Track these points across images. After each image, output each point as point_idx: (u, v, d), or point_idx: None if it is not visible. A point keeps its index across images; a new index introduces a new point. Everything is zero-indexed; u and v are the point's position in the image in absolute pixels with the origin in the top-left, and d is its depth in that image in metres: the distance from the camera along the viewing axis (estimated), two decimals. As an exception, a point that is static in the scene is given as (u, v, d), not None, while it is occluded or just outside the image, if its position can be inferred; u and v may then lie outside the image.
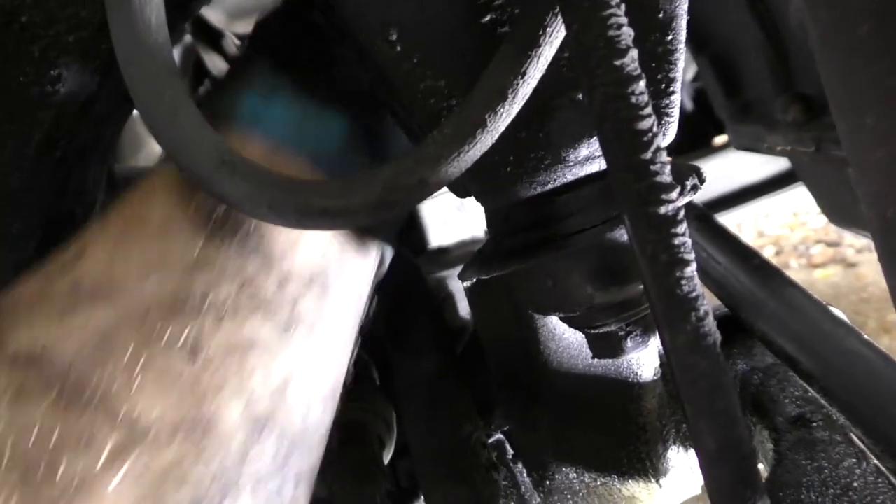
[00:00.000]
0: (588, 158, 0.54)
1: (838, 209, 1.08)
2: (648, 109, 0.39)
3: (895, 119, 0.28)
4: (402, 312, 0.83)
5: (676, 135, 0.58)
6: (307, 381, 0.55)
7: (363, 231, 0.61)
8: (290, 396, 0.53)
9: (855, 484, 0.67)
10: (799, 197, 1.52)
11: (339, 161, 0.59)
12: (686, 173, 0.57)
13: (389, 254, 0.67)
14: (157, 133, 0.44)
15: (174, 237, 0.51)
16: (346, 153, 0.59)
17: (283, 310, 0.53)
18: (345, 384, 0.63)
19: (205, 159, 0.44)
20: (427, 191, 0.46)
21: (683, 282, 0.39)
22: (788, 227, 3.73)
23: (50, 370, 0.45)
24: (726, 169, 1.63)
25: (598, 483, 0.84)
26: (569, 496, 0.86)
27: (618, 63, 0.39)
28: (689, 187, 0.56)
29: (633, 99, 0.39)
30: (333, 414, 0.60)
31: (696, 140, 1.70)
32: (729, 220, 1.79)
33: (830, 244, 3.47)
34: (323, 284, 0.57)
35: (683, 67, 0.54)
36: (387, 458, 0.82)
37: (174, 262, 0.50)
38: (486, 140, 0.45)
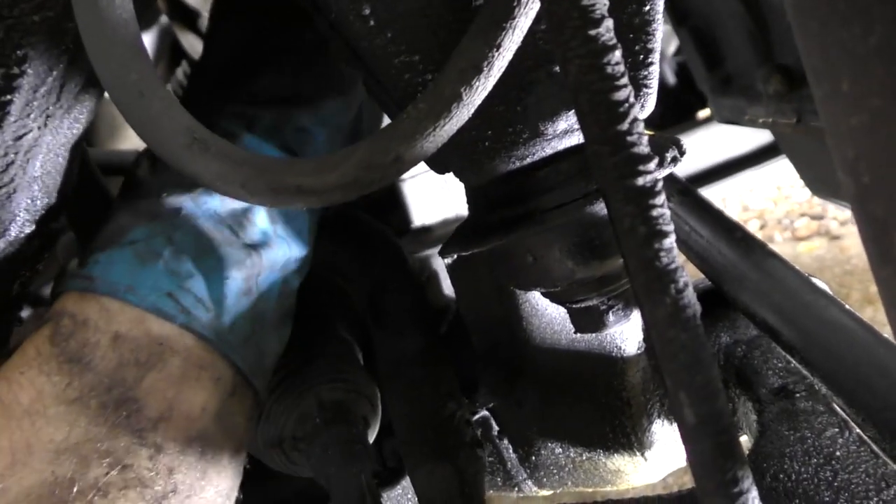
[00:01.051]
0: (567, 132, 0.54)
1: (820, 180, 1.08)
2: (624, 80, 0.39)
3: (870, 85, 0.28)
4: (385, 292, 0.82)
5: (660, 108, 0.58)
6: None
7: (238, 373, 0.61)
8: None
9: (837, 453, 0.68)
10: (783, 171, 1.52)
11: (219, 322, 0.60)
12: (666, 145, 0.56)
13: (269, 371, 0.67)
14: (126, 112, 0.43)
15: (41, 421, 0.51)
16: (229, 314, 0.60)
17: (157, 483, 0.53)
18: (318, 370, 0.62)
19: (175, 138, 0.43)
20: (403, 168, 0.46)
21: (662, 254, 0.39)
22: (773, 201, 3.74)
23: None
24: (710, 142, 1.63)
25: (584, 457, 0.84)
26: (555, 471, 0.86)
27: (592, 33, 0.38)
28: (668, 159, 0.55)
29: (609, 70, 0.38)
30: None
31: (679, 114, 1.70)
32: (714, 194, 1.79)
33: (814, 217, 3.49)
34: (200, 446, 0.56)
35: (665, 40, 0.54)
36: (372, 438, 0.81)
37: (40, 450, 0.50)
38: (462, 114, 0.45)
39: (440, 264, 1.08)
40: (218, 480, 0.58)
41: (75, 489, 0.50)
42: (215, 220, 0.61)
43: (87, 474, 0.51)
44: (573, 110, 0.52)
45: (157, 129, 0.43)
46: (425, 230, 1.13)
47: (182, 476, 0.55)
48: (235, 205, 0.62)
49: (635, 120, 0.39)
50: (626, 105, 0.38)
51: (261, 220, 0.63)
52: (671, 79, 1.72)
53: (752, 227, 3.57)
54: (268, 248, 0.63)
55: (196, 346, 0.58)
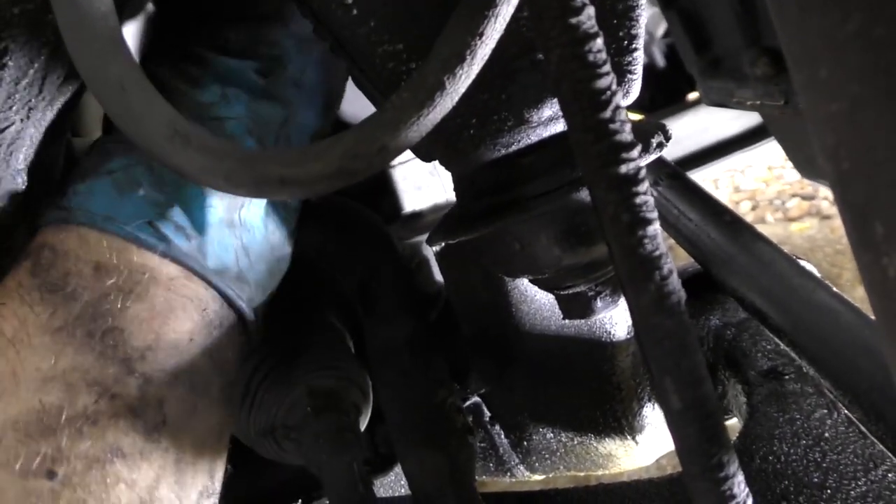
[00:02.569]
0: (552, 119, 0.54)
1: (809, 162, 1.08)
2: (606, 68, 0.39)
3: (848, 71, 0.28)
4: (374, 279, 0.82)
5: (649, 91, 0.57)
6: (179, 479, 0.54)
7: (229, 304, 0.60)
8: (160, 500, 0.52)
9: (826, 434, 0.68)
10: (774, 151, 1.52)
11: (198, 251, 0.59)
12: (651, 131, 0.56)
13: (261, 307, 0.66)
14: (106, 105, 0.43)
15: (26, 350, 0.50)
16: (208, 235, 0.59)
17: (147, 413, 0.52)
18: (308, 359, 0.62)
19: (157, 131, 0.43)
20: (388, 157, 0.46)
21: (646, 241, 0.39)
22: (764, 182, 3.74)
23: None
24: (700, 124, 1.63)
25: (576, 442, 0.84)
26: (547, 456, 0.87)
27: (573, 21, 0.38)
28: (654, 145, 0.55)
29: (591, 57, 0.38)
30: (217, 500, 0.59)
31: (668, 96, 1.69)
32: (705, 175, 1.79)
33: (806, 198, 3.49)
34: (189, 377, 0.55)
35: (654, 23, 0.53)
36: (363, 425, 0.82)
37: (27, 379, 0.49)
38: (446, 103, 0.44)
39: (430, 250, 1.08)
40: (208, 415, 0.58)
41: (63, 417, 0.49)
42: None
43: (76, 403, 0.50)
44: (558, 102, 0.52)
45: (139, 122, 0.43)
46: (415, 216, 1.13)
47: (172, 408, 0.54)
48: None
49: (618, 108, 0.39)
50: (609, 93, 0.38)
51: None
52: (660, 61, 1.72)
53: (744, 208, 3.58)
54: None
55: (180, 275, 0.57)
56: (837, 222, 3.23)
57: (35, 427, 0.48)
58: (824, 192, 3.43)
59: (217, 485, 0.59)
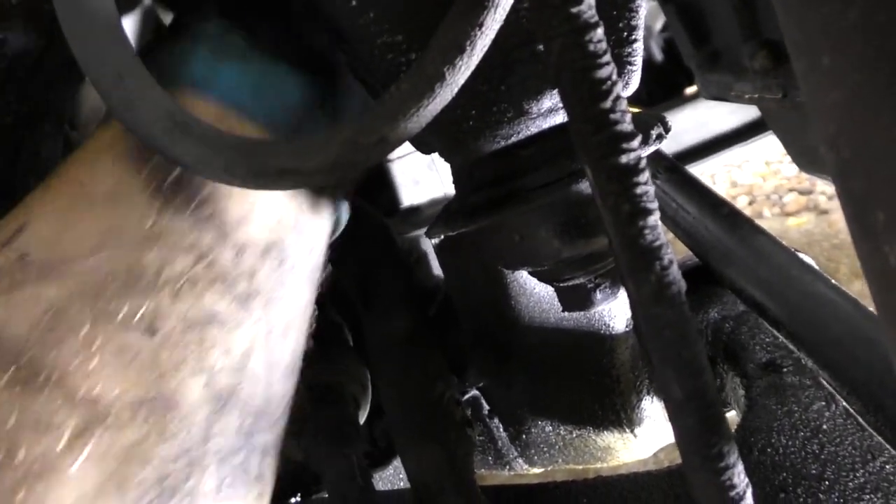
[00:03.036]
0: (551, 110, 0.54)
1: (807, 155, 1.08)
2: (607, 58, 0.39)
3: (849, 60, 0.28)
4: (373, 273, 0.82)
5: (647, 85, 0.57)
6: (268, 353, 0.54)
7: (318, 191, 0.59)
8: (252, 370, 0.52)
9: (824, 426, 0.68)
10: (772, 146, 1.52)
11: (298, 125, 0.57)
12: (650, 123, 0.56)
13: (346, 212, 0.65)
14: (105, 95, 0.43)
15: (125, 208, 0.49)
16: (305, 116, 0.58)
17: (240, 282, 0.52)
18: (306, 352, 0.62)
19: (155, 121, 0.43)
20: (387, 148, 0.45)
21: (647, 231, 0.39)
22: (761, 177, 3.74)
23: (1, 351, 0.44)
24: (699, 119, 1.63)
25: (574, 435, 0.84)
26: (545, 449, 0.87)
27: (574, 11, 0.38)
28: (653, 137, 0.55)
29: (591, 47, 0.38)
30: (295, 384, 0.59)
31: (667, 90, 1.69)
32: (703, 170, 1.79)
33: (803, 192, 3.49)
34: (279, 253, 0.55)
35: (652, 17, 0.53)
36: (362, 419, 0.82)
37: (126, 235, 0.49)
38: (446, 94, 0.44)
39: (429, 245, 1.08)
40: (296, 291, 0.57)
41: (163, 276, 0.48)
42: None
43: (175, 264, 0.49)
44: (557, 89, 0.52)
45: (137, 112, 0.43)
46: (414, 210, 1.13)
47: (263, 280, 0.53)
48: None
49: (618, 98, 0.39)
50: (609, 83, 0.38)
51: None
52: (658, 55, 1.71)
53: (741, 203, 3.58)
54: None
55: None
56: (834, 217, 3.24)
57: (136, 282, 0.48)
58: (821, 187, 3.44)
59: (299, 363, 0.59)
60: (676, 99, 1.64)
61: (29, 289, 0.46)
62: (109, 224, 0.49)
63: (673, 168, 0.79)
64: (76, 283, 0.47)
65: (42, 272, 0.47)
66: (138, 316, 0.47)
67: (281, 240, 0.55)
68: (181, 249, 0.50)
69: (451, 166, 0.62)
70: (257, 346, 0.53)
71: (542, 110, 0.53)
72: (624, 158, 0.38)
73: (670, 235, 0.75)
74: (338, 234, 0.66)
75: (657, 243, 0.39)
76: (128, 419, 0.45)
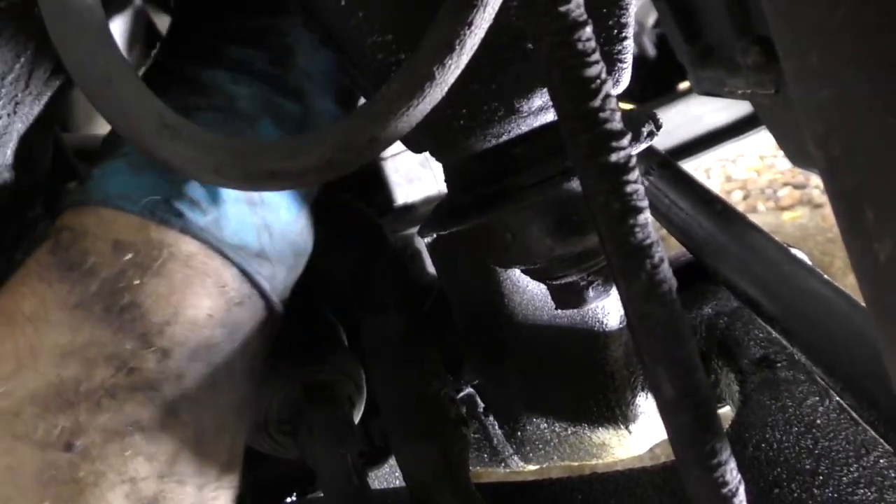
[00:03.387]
0: (542, 109, 0.54)
1: (800, 150, 1.08)
2: (596, 56, 0.39)
3: (838, 58, 0.28)
4: (367, 272, 0.82)
5: (640, 81, 0.57)
6: (199, 455, 0.53)
7: (251, 283, 0.59)
8: (180, 474, 0.52)
9: (818, 421, 0.69)
10: (765, 141, 1.52)
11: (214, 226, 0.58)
12: (641, 120, 0.56)
13: (281, 300, 0.64)
14: (93, 98, 0.43)
15: (44, 326, 0.50)
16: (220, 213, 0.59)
17: (165, 387, 0.52)
18: (301, 351, 0.61)
19: (144, 123, 0.43)
20: (378, 149, 0.45)
21: (637, 229, 0.39)
22: (755, 171, 3.74)
23: None
24: (691, 114, 1.63)
25: (569, 432, 0.85)
26: (541, 446, 0.87)
27: (562, 10, 0.38)
28: (644, 134, 0.55)
29: (580, 46, 0.38)
30: (236, 481, 0.59)
31: (659, 86, 1.69)
32: (696, 165, 1.79)
33: (797, 186, 3.49)
34: (208, 354, 0.55)
35: (644, 12, 0.53)
36: (357, 418, 0.82)
37: (45, 354, 0.49)
38: (436, 93, 0.44)
39: (423, 242, 1.07)
40: (229, 393, 0.57)
41: (81, 390, 0.49)
42: (213, 127, 0.58)
43: (94, 377, 0.49)
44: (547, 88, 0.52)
45: (126, 115, 0.43)
46: (408, 209, 1.13)
47: (191, 383, 0.53)
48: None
49: (608, 96, 0.39)
50: (598, 81, 0.38)
51: (265, 128, 0.61)
52: (650, 51, 1.71)
53: (736, 198, 3.58)
54: None
55: (198, 251, 0.56)
56: (828, 211, 3.24)
57: (53, 401, 0.48)
58: (815, 182, 3.44)
59: (238, 460, 0.59)
60: (669, 95, 1.64)
61: None
62: (28, 344, 0.50)
63: (666, 164, 0.79)
64: None
65: None
66: (56, 433, 0.47)
67: (210, 340, 0.55)
68: (101, 360, 0.50)
69: (443, 165, 0.62)
70: (185, 450, 0.52)
71: (533, 109, 0.53)
72: (613, 157, 0.38)
73: (663, 232, 0.75)
74: (277, 324, 0.66)
75: (647, 241, 0.39)
76: None
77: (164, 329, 0.53)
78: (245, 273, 0.59)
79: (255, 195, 0.60)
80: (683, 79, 1.68)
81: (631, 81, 0.57)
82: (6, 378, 0.49)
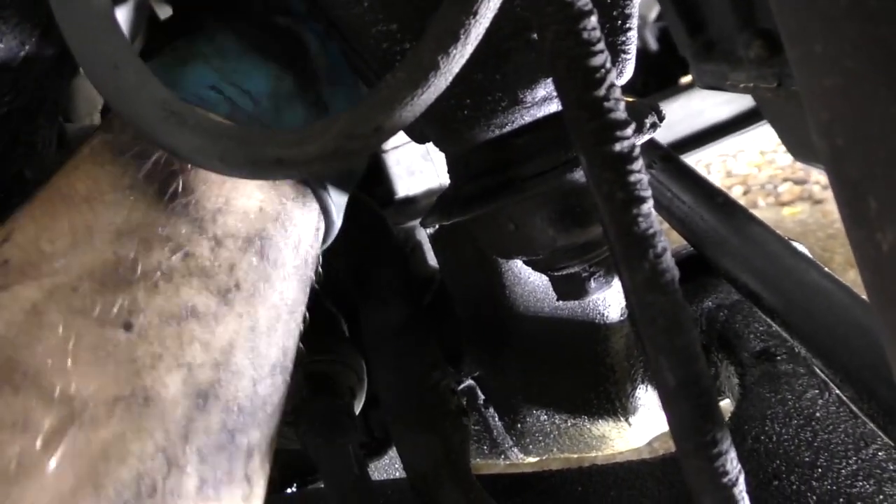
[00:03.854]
0: (546, 99, 0.54)
1: (801, 144, 1.08)
2: (601, 45, 0.39)
3: (842, 46, 0.28)
4: (369, 263, 0.83)
5: (642, 75, 0.57)
6: (253, 348, 0.53)
7: (305, 184, 0.59)
8: (235, 365, 0.51)
9: (817, 414, 0.69)
10: (766, 136, 1.52)
11: (275, 114, 0.57)
12: (644, 111, 0.56)
13: (339, 214, 0.64)
14: (99, 85, 0.43)
15: (99, 206, 0.49)
16: (282, 106, 0.58)
17: (219, 275, 0.51)
18: (300, 345, 0.61)
19: (150, 111, 0.43)
20: (382, 137, 0.45)
21: (640, 219, 0.39)
22: (756, 167, 3.75)
23: None
24: (693, 108, 1.63)
25: (569, 424, 0.85)
26: (540, 438, 0.87)
27: (568, -1, 0.38)
28: (647, 125, 0.55)
29: (585, 35, 0.38)
30: (287, 383, 0.58)
31: (661, 80, 1.69)
32: (697, 159, 1.80)
33: (798, 182, 3.50)
34: (261, 246, 0.54)
35: (647, 6, 0.53)
36: (358, 409, 0.82)
37: (101, 232, 0.49)
38: (440, 83, 0.44)
39: (425, 235, 1.08)
40: (282, 286, 0.56)
41: (139, 270, 0.48)
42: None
43: (150, 257, 0.49)
44: (552, 77, 0.52)
45: (132, 102, 0.43)
46: (409, 201, 1.13)
47: (243, 274, 0.53)
48: None
49: (612, 86, 0.39)
50: (603, 71, 0.38)
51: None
52: (653, 45, 1.71)
53: (736, 193, 3.59)
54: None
55: None
56: (829, 206, 3.25)
57: (111, 278, 0.47)
58: (816, 177, 3.44)
59: (290, 363, 0.58)
60: (671, 89, 1.64)
61: (8, 291, 0.46)
62: (84, 223, 0.49)
63: (668, 157, 0.79)
64: (51, 283, 0.46)
65: (21, 274, 0.47)
66: (114, 311, 0.46)
67: (262, 232, 0.55)
68: (156, 242, 0.49)
69: (446, 156, 0.62)
70: (239, 342, 0.52)
71: (537, 99, 0.53)
72: (618, 146, 0.39)
73: (665, 226, 0.75)
74: (332, 237, 0.66)
75: (651, 231, 0.39)
76: (104, 416, 0.44)
77: (217, 217, 0.52)
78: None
79: (311, 95, 0.60)
80: (685, 73, 1.68)
81: (633, 75, 0.57)
82: (63, 253, 0.48)
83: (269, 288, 0.55)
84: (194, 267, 0.50)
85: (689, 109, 1.61)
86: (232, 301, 0.52)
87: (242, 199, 0.54)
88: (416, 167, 1.14)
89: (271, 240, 0.56)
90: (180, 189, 0.51)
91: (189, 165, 0.52)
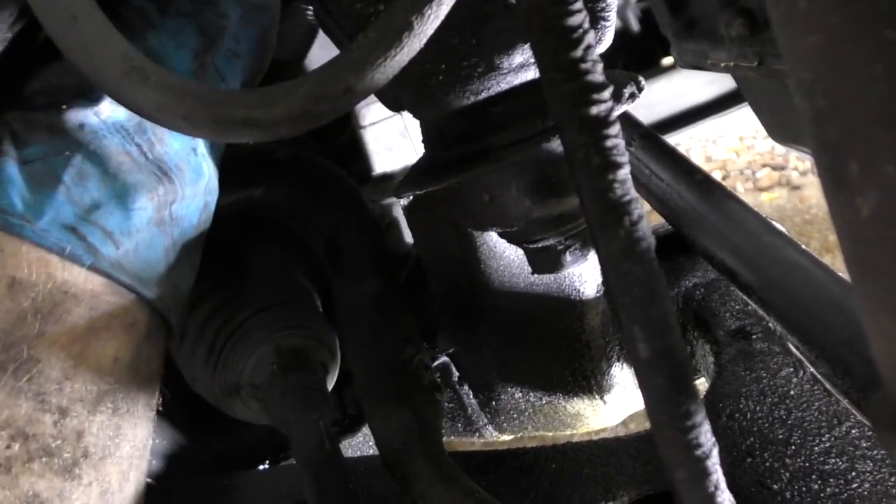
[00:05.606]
0: (523, 66, 0.53)
1: (780, 126, 1.08)
2: (578, 5, 0.38)
3: (826, 2, 0.27)
4: (343, 236, 0.81)
5: (624, 55, 0.56)
6: None
7: (156, 310, 0.56)
8: None
9: (792, 392, 0.69)
10: (746, 122, 1.52)
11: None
12: (623, 81, 0.55)
13: (177, 312, 0.61)
14: (58, 38, 0.41)
15: None
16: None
17: (64, 451, 0.49)
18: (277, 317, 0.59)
19: (111, 65, 0.41)
20: (353, 99, 0.44)
21: (616, 185, 0.38)
22: (735, 152, 3.76)
23: None
24: (674, 90, 1.62)
25: (544, 402, 0.84)
26: (515, 416, 0.87)
27: (545, -44, 0.37)
28: (626, 95, 0.54)
29: (563, -7, 0.37)
30: None
31: (643, 61, 1.68)
32: (677, 141, 1.79)
33: (776, 168, 3.52)
34: (112, 402, 0.52)
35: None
36: (331, 385, 0.81)
37: None
38: (414, 44, 0.43)
39: (401, 212, 1.07)
40: (133, 434, 0.54)
41: None
42: (123, 136, 0.53)
43: None
44: (528, 39, 0.51)
45: (92, 56, 0.41)
46: (386, 178, 1.12)
47: (93, 438, 0.50)
48: None
49: (589, 47, 0.38)
50: (580, 31, 0.37)
51: (175, 136, 0.55)
52: (635, 25, 1.70)
53: (715, 178, 3.60)
54: (183, 171, 0.56)
55: (105, 290, 0.52)
56: (807, 192, 3.27)
57: None
58: (794, 163, 3.46)
59: (141, 494, 0.57)
60: (652, 70, 1.63)
61: None
62: None
63: (647, 135, 0.78)
64: None
65: None
66: None
67: (114, 386, 0.52)
68: None
69: (421, 123, 0.61)
70: None
71: (514, 65, 0.52)
72: (594, 109, 0.38)
73: (645, 206, 0.75)
74: (177, 328, 0.62)
75: (627, 198, 0.38)
76: None
77: (63, 385, 0.49)
78: (153, 305, 0.55)
79: (166, 214, 0.55)
80: (666, 54, 1.67)
81: (614, 56, 0.56)
82: None
83: (120, 441, 0.53)
84: (35, 450, 0.48)
85: (670, 91, 1.60)
86: (79, 474, 0.50)
87: (94, 357, 0.51)
88: (394, 144, 1.12)
89: (125, 390, 0.53)
90: (24, 361, 0.48)
91: (32, 332, 0.49)
